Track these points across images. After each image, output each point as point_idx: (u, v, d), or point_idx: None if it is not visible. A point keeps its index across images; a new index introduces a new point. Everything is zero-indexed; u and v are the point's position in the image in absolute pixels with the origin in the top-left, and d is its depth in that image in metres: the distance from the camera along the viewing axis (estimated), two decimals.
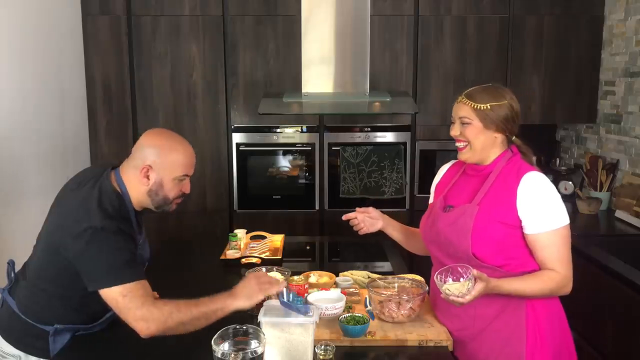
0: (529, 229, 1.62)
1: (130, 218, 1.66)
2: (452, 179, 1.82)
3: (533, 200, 1.61)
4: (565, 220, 1.63)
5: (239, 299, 1.58)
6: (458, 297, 1.52)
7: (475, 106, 1.66)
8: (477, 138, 1.67)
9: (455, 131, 1.71)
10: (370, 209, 2.02)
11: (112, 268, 1.52)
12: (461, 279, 1.56)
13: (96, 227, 1.53)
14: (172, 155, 1.65)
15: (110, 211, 1.58)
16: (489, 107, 1.65)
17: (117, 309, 1.53)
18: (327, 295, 1.84)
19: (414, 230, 2.04)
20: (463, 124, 1.68)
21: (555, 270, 1.61)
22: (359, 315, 1.72)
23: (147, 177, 1.64)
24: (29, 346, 1.68)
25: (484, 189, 1.67)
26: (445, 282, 1.57)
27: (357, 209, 2.03)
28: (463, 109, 1.68)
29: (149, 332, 1.51)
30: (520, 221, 1.62)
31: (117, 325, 1.78)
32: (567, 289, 1.64)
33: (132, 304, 1.51)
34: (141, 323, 1.50)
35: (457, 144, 1.73)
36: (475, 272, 1.54)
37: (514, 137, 1.73)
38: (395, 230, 2.05)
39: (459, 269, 1.57)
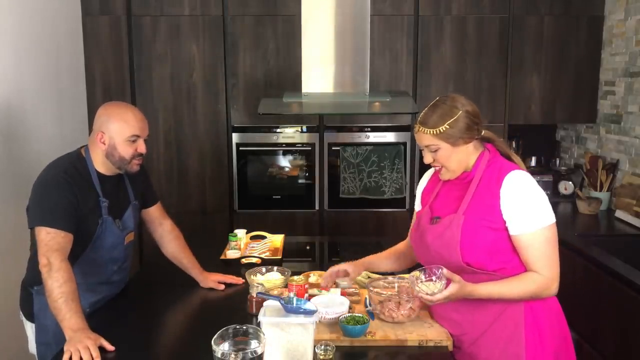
0: (512, 229, 1.60)
1: (90, 178, 1.89)
2: (437, 186, 1.80)
3: (515, 200, 1.59)
4: (549, 219, 1.60)
5: (69, 332, 1.60)
6: (428, 294, 1.54)
7: (434, 132, 1.62)
8: (451, 159, 1.65)
9: (428, 159, 1.69)
10: (336, 270, 1.92)
11: (40, 210, 1.77)
12: (433, 278, 1.57)
13: (42, 176, 1.84)
14: (119, 120, 1.88)
15: (64, 167, 1.85)
16: (447, 126, 1.61)
17: (39, 246, 1.74)
18: (330, 299, 1.84)
19: (397, 250, 2.01)
20: (431, 151, 1.66)
21: (538, 272, 1.59)
22: (359, 315, 1.72)
23: (103, 142, 1.88)
24: (24, 310, 1.96)
25: (467, 197, 1.65)
26: (418, 282, 1.59)
27: (325, 279, 1.92)
28: (424, 138, 1.65)
29: (40, 266, 1.70)
30: (505, 222, 1.61)
31: (112, 326, 1.78)
32: (551, 291, 1.61)
33: (51, 242, 1.72)
34: (44, 261, 1.69)
35: (434, 167, 1.72)
36: (445, 271, 1.55)
37: (482, 133, 1.69)
38: (382, 263, 2.00)
39: (433, 269, 1.58)
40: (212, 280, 2.14)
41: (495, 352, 1.65)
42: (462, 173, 1.69)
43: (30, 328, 1.95)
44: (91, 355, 1.53)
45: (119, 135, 1.87)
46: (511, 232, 1.61)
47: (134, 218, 2.04)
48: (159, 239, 2.20)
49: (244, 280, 2.15)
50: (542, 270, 1.59)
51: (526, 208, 1.59)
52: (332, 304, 1.81)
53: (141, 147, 1.92)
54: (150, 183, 2.19)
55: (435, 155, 1.66)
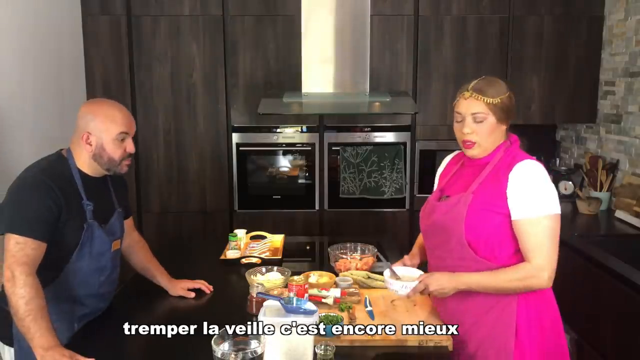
0: (514, 214, 1.59)
1: (73, 179, 1.77)
2: (453, 169, 1.82)
3: (521, 185, 1.59)
4: (552, 210, 1.58)
5: (40, 351, 1.51)
6: (394, 287, 1.67)
7: (488, 101, 1.62)
8: (491, 134, 1.65)
9: (468, 128, 1.65)
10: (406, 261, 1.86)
11: (12, 215, 1.64)
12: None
13: (19, 178, 1.71)
14: (106, 118, 1.77)
15: (42, 167, 1.74)
16: (499, 100, 1.62)
17: (7, 252, 1.62)
18: (410, 273, 1.77)
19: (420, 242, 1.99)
20: (476, 121, 1.64)
21: (529, 261, 1.57)
22: (334, 315, 1.71)
23: (89, 143, 1.77)
24: (0, 332, 1.77)
25: (479, 179, 1.66)
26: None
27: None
28: (475, 105, 1.63)
29: (4, 280, 1.59)
30: (509, 207, 1.60)
31: (109, 329, 1.78)
32: (539, 280, 1.57)
33: (19, 253, 1.59)
34: (7, 275, 1.58)
35: (466, 141, 1.67)
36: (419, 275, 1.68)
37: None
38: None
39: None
40: (181, 288, 2.09)
41: (485, 343, 1.66)
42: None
43: (8, 353, 1.79)
44: None
45: (106, 134, 1.76)
46: (513, 217, 1.60)
47: (120, 226, 1.94)
48: (125, 249, 2.09)
49: (212, 288, 2.12)
50: (534, 259, 1.57)
51: (531, 194, 1.58)
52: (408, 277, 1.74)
53: (130, 146, 1.82)
54: (128, 196, 2.08)
55: (477, 126, 1.64)
